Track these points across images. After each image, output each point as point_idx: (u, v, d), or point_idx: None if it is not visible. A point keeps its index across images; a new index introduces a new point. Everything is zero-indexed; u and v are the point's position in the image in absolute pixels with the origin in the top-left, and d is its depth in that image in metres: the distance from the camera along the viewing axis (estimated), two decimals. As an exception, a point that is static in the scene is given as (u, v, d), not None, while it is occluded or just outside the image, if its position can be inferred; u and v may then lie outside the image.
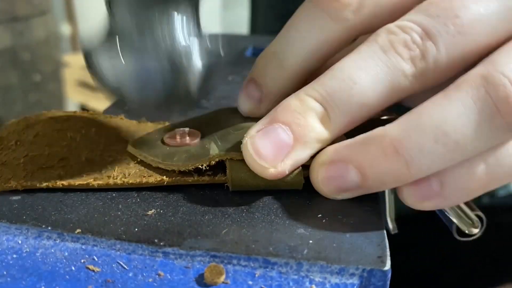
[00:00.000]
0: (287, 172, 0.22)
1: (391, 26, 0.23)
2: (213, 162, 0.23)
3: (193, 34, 0.23)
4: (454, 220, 0.25)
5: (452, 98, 0.20)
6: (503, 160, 0.21)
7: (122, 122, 0.29)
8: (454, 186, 0.21)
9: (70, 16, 2.03)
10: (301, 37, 0.25)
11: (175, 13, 0.23)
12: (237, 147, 0.23)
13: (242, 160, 0.22)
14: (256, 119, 0.25)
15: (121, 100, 0.24)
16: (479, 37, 0.22)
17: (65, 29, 2.01)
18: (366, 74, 0.22)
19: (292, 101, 0.23)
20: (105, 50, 0.22)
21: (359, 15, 0.24)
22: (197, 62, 0.23)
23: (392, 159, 0.20)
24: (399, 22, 0.23)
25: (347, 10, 0.24)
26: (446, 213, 0.25)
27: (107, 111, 0.32)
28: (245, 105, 0.27)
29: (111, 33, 0.23)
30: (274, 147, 0.22)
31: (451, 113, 0.20)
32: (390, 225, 0.25)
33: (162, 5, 0.22)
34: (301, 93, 0.23)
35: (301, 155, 0.22)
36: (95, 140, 0.26)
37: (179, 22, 0.23)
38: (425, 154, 0.20)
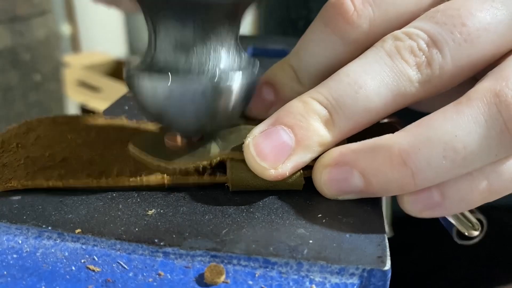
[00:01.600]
0: (287, 174, 0.22)
1: (397, 32, 0.23)
2: (214, 162, 0.23)
3: (233, 62, 0.23)
4: (454, 222, 0.25)
5: (463, 113, 0.20)
6: (504, 173, 0.22)
7: (123, 123, 0.29)
8: (455, 197, 0.22)
9: (70, 16, 2.03)
10: (313, 55, 0.26)
11: (217, 41, 0.23)
12: (238, 147, 0.23)
13: (243, 160, 0.22)
14: (257, 120, 0.25)
15: (162, 124, 0.24)
16: (486, 46, 0.22)
17: (65, 29, 2.01)
18: (372, 79, 0.22)
19: (296, 104, 0.23)
20: (147, 75, 0.22)
21: (369, 35, 0.24)
22: (237, 87, 0.22)
23: (398, 169, 0.21)
24: (405, 29, 0.23)
25: (357, 32, 0.24)
26: (446, 216, 0.25)
27: (107, 111, 0.32)
28: (255, 107, 0.27)
29: (154, 58, 0.23)
30: (275, 148, 0.21)
31: (461, 129, 0.20)
32: (386, 229, 0.25)
33: (205, 34, 0.22)
34: (306, 96, 0.23)
35: (303, 158, 0.22)
36: (95, 141, 0.26)
37: (220, 50, 0.23)
38: (432, 167, 0.20)
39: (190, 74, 0.22)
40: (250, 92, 0.23)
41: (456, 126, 0.20)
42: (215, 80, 0.22)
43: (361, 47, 0.25)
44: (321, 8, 0.26)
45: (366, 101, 0.22)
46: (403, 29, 0.23)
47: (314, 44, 0.26)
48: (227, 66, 0.23)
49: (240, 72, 0.22)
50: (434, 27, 0.22)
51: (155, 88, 0.22)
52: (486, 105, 0.20)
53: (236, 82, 0.22)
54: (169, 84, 0.21)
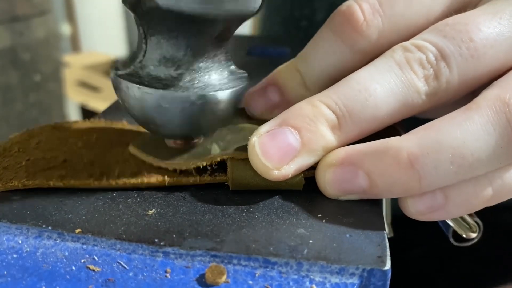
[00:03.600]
0: (290, 176, 0.22)
1: (407, 44, 0.23)
2: (214, 162, 0.23)
3: (221, 77, 0.23)
4: (452, 224, 0.25)
5: (473, 119, 0.20)
6: (507, 179, 0.22)
7: (123, 126, 0.29)
8: (457, 200, 0.22)
9: (70, 16, 2.03)
10: (320, 62, 0.26)
11: (208, 57, 0.23)
12: (239, 147, 0.23)
13: (244, 159, 0.22)
14: (258, 121, 0.25)
15: (147, 129, 0.24)
16: (491, 62, 0.22)
17: (65, 29, 2.02)
18: (381, 87, 0.22)
19: (304, 106, 0.22)
20: (136, 83, 0.22)
21: (377, 45, 0.25)
22: (224, 103, 0.23)
23: (405, 172, 0.21)
24: (414, 40, 0.23)
25: (365, 42, 0.24)
26: (446, 219, 0.25)
27: (107, 111, 0.32)
28: (260, 106, 0.27)
29: (143, 66, 0.23)
30: (281, 149, 0.21)
31: (470, 135, 0.20)
32: (386, 229, 0.25)
33: (196, 49, 0.22)
34: (315, 99, 0.23)
35: (307, 161, 0.22)
36: (96, 143, 0.27)
37: (210, 66, 0.23)
38: (439, 172, 0.20)
39: (178, 88, 0.22)
40: (236, 104, 0.24)
41: (465, 133, 0.20)
42: (203, 96, 0.22)
43: (368, 56, 0.25)
44: (331, 15, 0.26)
45: (375, 109, 0.22)
46: (412, 41, 0.23)
47: (322, 51, 0.26)
48: (215, 82, 0.23)
49: (227, 91, 0.23)
50: (442, 40, 0.22)
51: (142, 98, 0.22)
52: (495, 113, 0.20)
53: (223, 99, 0.22)
54: (157, 97, 0.22)
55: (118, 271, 0.19)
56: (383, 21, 0.24)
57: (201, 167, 0.23)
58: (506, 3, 0.23)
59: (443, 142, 0.20)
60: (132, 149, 0.25)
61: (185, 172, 0.23)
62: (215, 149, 0.24)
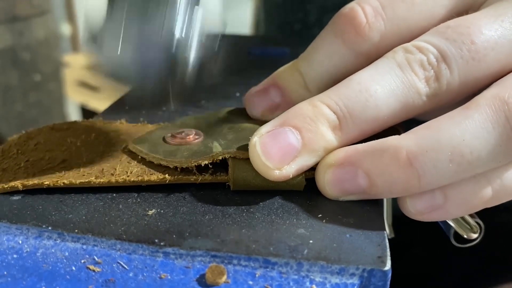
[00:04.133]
0: (290, 176, 0.22)
1: (408, 45, 0.23)
2: (216, 160, 0.23)
3: (192, 27, 0.23)
4: (453, 225, 0.25)
5: (472, 118, 0.20)
6: (506, 179, 0.22)
7: (122, 125, 0.29)
8: (457, 200, 0.22)
9: (70, 16, 2.02)
10: (322, 63, 0.26)
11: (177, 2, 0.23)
12: (240, 146, 0.23)
13: (245, 159, 0.22)
14: (259, 121, 0.25)
15: (120, 86, 0.24)
16: (492, 65, 0.22)
17: (65, 29, 2.01)
18: (382, 88, 0.22)
19: (305, 106, 0.22)
20: (106, 34, 0.22)
21: (378, 47, 0.25)
22: (193, 55, 0.23)
23: (404, 171, 0.21)
24: (416, 42, 0.23)
25: (367, 44, 0.25)
26: (446, 219, 0.25)
27: (107, 111, 0.32)
28: (261, 107, 0.27)
29: (112, 19, 0.23)
30: (282, 149, 0.21)
31: (469, 134, 0.20)
32: (387, 230, 0.25)
33: None
34: (316, 99, 0.23)
35: (307, 161, 0.22)
36: (95, 143, 0.27)
37: (180, 13, 0.23)
38: (438, 170, 0.20)
39: (145, 38, 0.22)
40: (205, 66, 0.24)
41: (464, 131, 0.20)
42: (170, 46, 0.22)
43: (370, 58, 0.25)
44: (333, 17, 0.26)
45: (375, 110, 0.22)
46: (414, 42, 0.23)
47: (324, 53, 0.26)
48: (184, 34, 0.23)
49: (195, 43, 0.23)
50: (444, 42, 0.22)
51: (112, 48, 0.22)
52: (495, 112, 0.20)
53: (190, 51, 0.23)
54: (125, 47, 0.22)
55: (118, 271, 0.19)
56: (385, 24, 0.24)
57: (202, 165, 0.23)
58: (508, 6, 0.23)
59: (442, 141, 0.20)
60: (132, 147, 0.25)
61: (186, 170, 0.23)
62: (217, 147, 0.24)
